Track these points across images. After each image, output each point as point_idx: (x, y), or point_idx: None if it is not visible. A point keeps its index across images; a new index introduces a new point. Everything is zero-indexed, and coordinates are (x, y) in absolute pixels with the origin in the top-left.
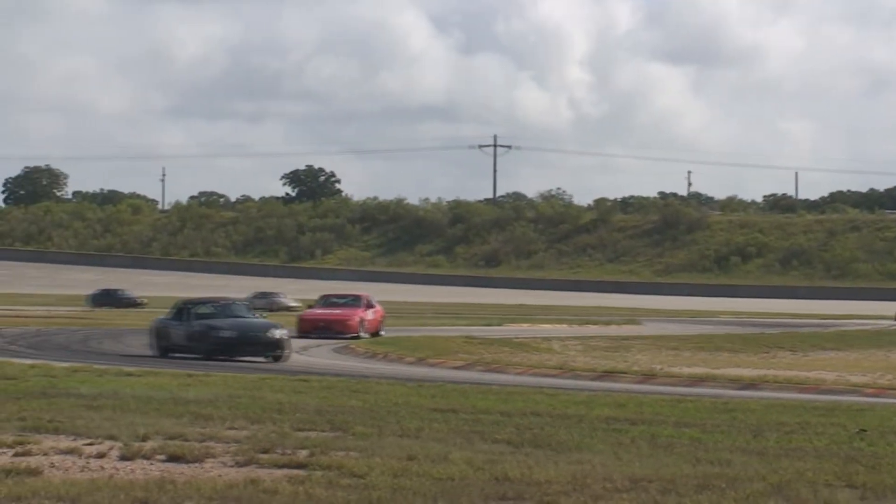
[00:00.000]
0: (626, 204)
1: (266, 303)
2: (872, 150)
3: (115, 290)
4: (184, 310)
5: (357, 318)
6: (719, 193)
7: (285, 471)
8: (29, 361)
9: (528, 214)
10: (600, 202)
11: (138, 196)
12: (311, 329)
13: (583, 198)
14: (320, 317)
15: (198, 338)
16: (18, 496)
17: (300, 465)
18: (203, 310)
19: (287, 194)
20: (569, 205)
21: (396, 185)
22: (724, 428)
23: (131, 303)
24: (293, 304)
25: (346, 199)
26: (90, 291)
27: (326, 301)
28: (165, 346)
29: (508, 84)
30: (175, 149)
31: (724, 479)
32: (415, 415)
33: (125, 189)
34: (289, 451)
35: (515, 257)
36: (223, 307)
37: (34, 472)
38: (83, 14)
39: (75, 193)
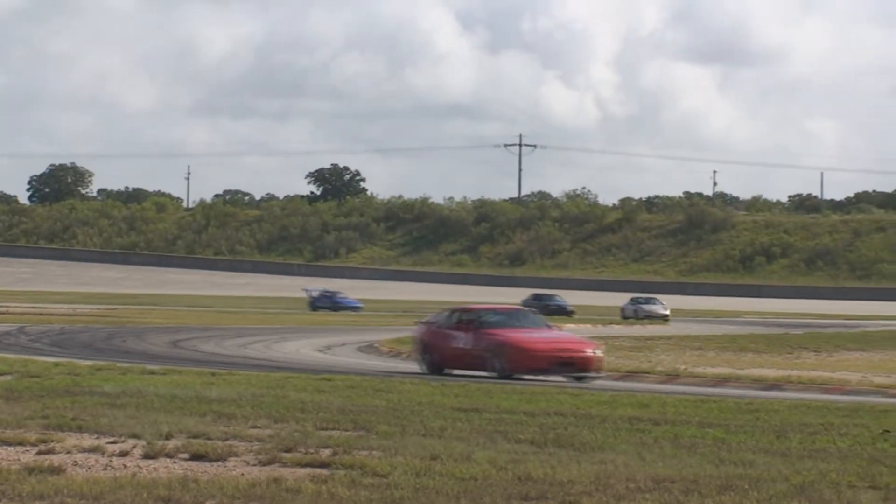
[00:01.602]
0: (651, 203)
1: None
2: None
3: (334, 293)
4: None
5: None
6: (744, 193)
7: (308, 470)
8: (53, 359)
9: (552, 214)
10: (625, 202)
11: (163, 194)
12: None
13: (608, 197)
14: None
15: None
16: (41, 494)
17: (323, 464)
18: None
19: (312, 193)
20: (594, 204)
21: (421, 184)
22: (748, 428)
23: (352, 307)
24: (569, 308)
25: (371, 198)
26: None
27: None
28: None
29: (534, 83)
30: (200, 147)
31: (748, 479)
32: (438, 414)
33: (150, 187)
34: (312, 450)
35: (540, 256)
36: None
37: (57, 471)
38: (110, 12)
39: (100, 191)
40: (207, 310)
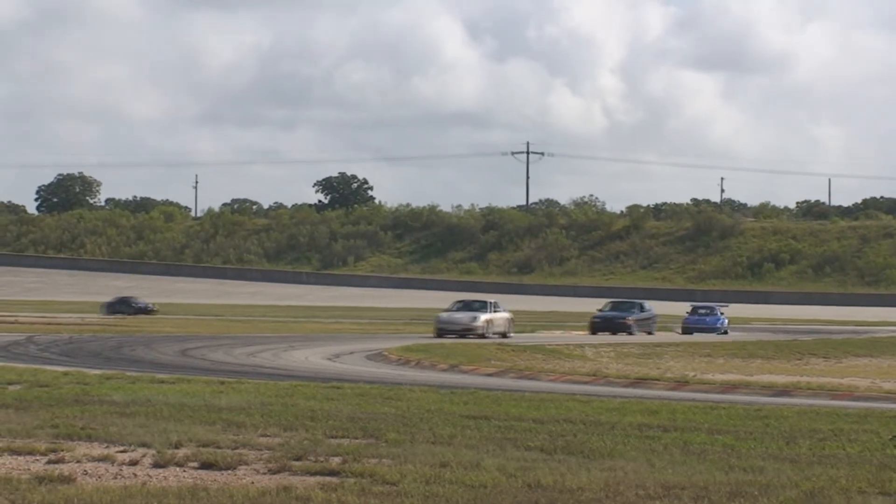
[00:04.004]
0: (659, 210)
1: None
2: None
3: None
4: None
5: None
6: (752, 200)
7: (318, 478)
8: (62, 369)
9: (560, 221)
10: (633, 209)
11: (171, 203)
12: None
13: (615, 204)
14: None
15: None
16: (52, 503)
17: (333, 473)
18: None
19: (320, 201)
20: (601, 211)
21: (429, 192)
22: (757, 435)
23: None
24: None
25: (379, 206)
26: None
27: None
28: None
29: (541, 91)
30: (208, 156)
31: (757, 486)
32: (447, 422)
33: (158, 196)
34: (321, 459)
35: (548, 264)
36: None
37: (67, 480)
38: (117, 22)
39: (108, 200)
40: (216, 318)
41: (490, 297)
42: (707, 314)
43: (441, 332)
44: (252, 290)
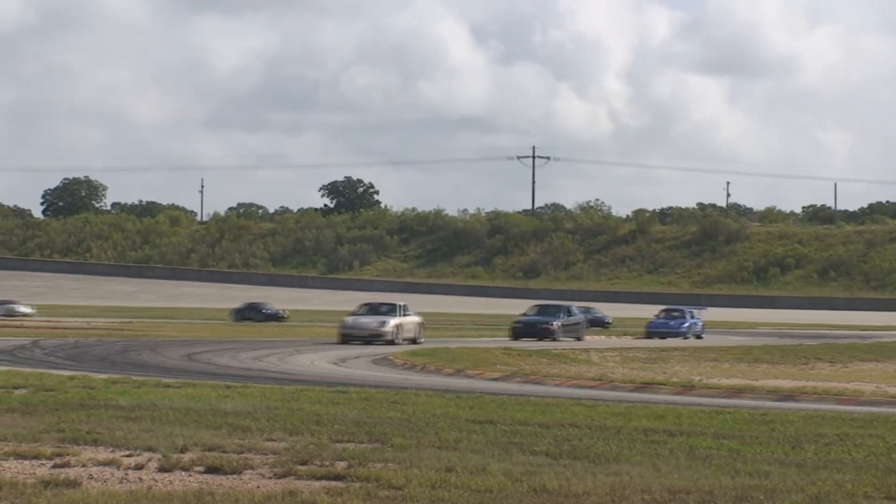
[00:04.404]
0: (665, 215)
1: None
2: None
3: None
4: None
5: None
6: (758, 204)
7: (323, 482)
8: (68, 373)
9: (566, 225)
10: (639, 213)
11: (177, 207)
12: None
13: (621, 209)
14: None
15: None
16: None
17: (338, 477)
18: None
19: (325, 205)
20: (607, 216)
21: (435, 197)
22: (763, 439)
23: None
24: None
25: (385, 211)
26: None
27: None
28: None
29: (546, 95)
30: (214, 160)
31: (763, 490)
32: (453, 426)
33: (164, 200)
34: (327, 463)
35: (554, 268)
36: None
37: (73, 484)
38: (123, 26)
39: (114, 205)
40: (222, 323)
41: (401, 300)
42: (671, 317)
43: (345, 339)
44: (258, 294)
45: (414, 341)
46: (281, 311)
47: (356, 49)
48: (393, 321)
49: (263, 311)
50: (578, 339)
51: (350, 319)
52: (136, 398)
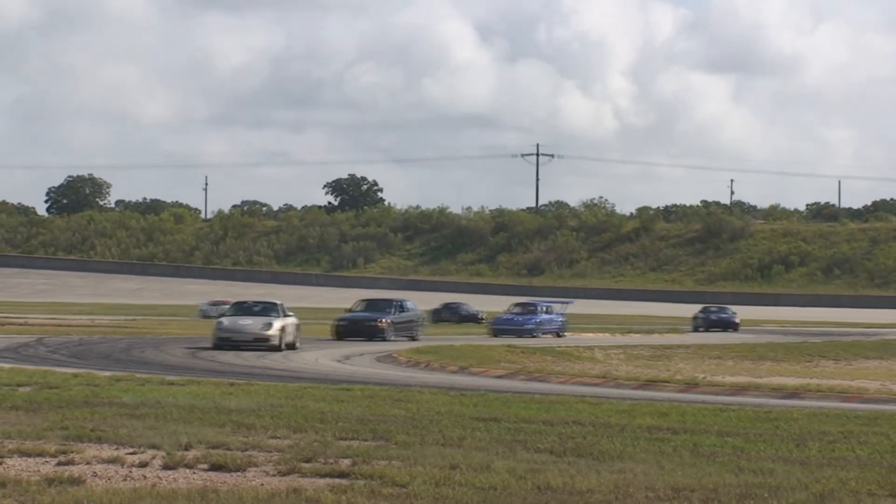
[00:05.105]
0: (669, 212)
1: None
2: None
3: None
4: None
5: None
6: (762, 202)
7: (328, 480)
8: (72, 370)
9: (570, 223)
10: (643, 211)
11: (181, 205)
12: None
13: (625, 206)
14: None
15: None
16: None
17: (342, 474)
18: None
19: (329, 203)
20: (611, 213)
21: (438, 194)
22: (767, 437)
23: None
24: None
25: (389, 208)
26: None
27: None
28: None
29: (551, 93)
30: (217, 157)
31: (767, 488)
32: (457, 424)
33: (168, 198)
34: (331, 460)
35: (558, 266)
36: None
37: (77, 481)
38: (127, 23)
39: (118, 202)
40: None
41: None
42: (520, 313)
43: (220, 344)
44: (262, 291)
45: (292, 346)
46: (480, 312)
47: (360, 47)
48: (277, 323)
49: (460, 311)
50: (413, 338)
51: (227, 321)
52: (140, 396)
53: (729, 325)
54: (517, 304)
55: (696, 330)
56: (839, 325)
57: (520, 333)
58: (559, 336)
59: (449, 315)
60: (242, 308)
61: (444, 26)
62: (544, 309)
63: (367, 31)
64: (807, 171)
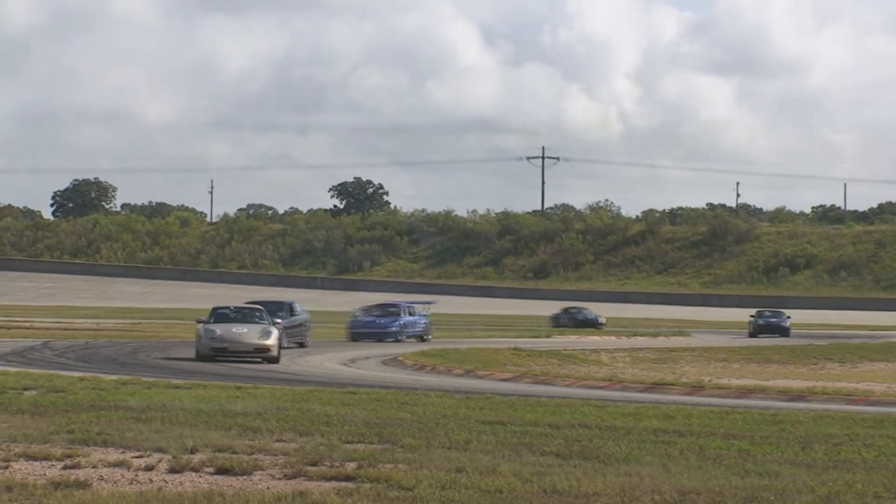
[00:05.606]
0: (675, 215)
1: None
2: None
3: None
4: None
5: None
6: (768, 205)
7: (333, 483)
8: (78, 374)
9: (576, 226)
10: (648, 214)
11: (186, 208)
12: None
13: (631, 209)
14: None
15: None
16: None
17: (348, 478)
18: None
19: (335, 206)
20: (617, 216)
21: (444, 197)
22: (773, 440)
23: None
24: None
25: (394, 211)
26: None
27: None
28: None
29: (556, 95)
30: (223, 161)
31: (773, 491)
32: (463, 427)
33: (173, 201)
34: (337, 464)
35: (563, 269)
36: None
37: (83, 485)
38: (132, 27)
39: (124, 206)
40: None
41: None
42: (382, 315)
43: (211, 355)
44: (268, 295)
45: (303, 345)
46: (599, 318)
47: (365, 50)
48: (276, 332)
49: (579, 317)
50: (302, 345)
51: (218, 329)
52: (146, 399)
53: (778, 330)
54: (377, 306)
55: (752, 336)
56: (845, 328)
57: (381, 337)
58: (423, 340)
59: (567, 320)
60: (232, 313)
61: (448, 29)
62: (408, 310)
63: (372, 35)
64: (812, 174)
